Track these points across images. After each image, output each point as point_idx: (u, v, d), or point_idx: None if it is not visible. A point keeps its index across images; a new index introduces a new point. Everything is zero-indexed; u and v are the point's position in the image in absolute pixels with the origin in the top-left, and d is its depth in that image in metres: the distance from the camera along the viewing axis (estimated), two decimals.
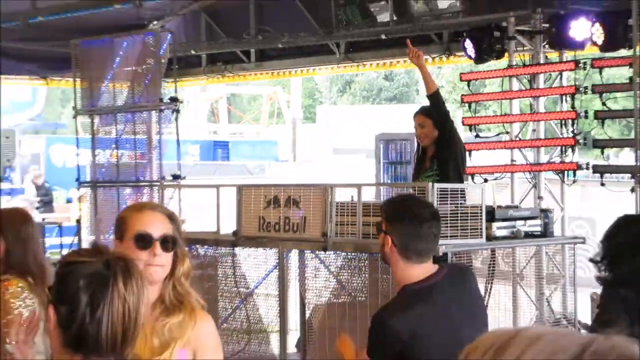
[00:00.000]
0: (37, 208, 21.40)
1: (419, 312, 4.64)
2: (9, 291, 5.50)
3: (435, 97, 8.97)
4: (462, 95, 10.94)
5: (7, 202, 18.18)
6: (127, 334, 2.81)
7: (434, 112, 8.90)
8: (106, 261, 2.86)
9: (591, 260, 5.03)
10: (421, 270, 4.66)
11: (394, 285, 8.19)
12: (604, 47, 9.77)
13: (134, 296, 2.81)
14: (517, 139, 10.49)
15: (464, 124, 10.82)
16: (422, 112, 9.03)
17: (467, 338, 4.64)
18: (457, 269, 5.36)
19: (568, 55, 10.19)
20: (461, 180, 8.99)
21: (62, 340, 2.89)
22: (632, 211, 8.18)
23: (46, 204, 22.08)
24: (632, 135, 8.62)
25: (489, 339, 1.35)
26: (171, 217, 4.22)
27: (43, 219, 17.80)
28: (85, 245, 12.28)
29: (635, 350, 1.27)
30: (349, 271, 8.71)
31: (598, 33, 9.66)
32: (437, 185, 8.01)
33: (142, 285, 2.89)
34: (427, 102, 9.21)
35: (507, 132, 10.56)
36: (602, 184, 9.60)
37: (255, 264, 9.23)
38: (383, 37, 11.87)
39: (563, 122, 10.12)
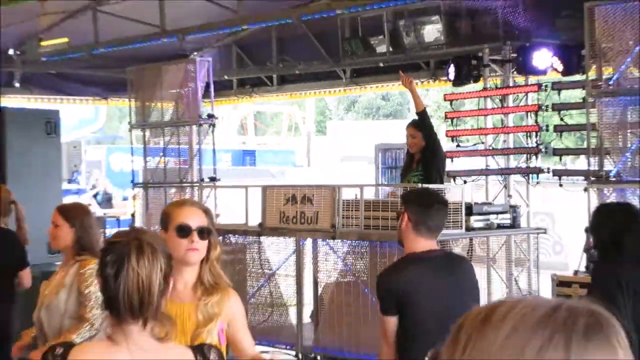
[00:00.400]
0: (99, 204, 21.52)
1: (411, 274, 4.75)
2: (88, 268, 5.50)
3: (422, 114, 9.01)
4: (446, 112, 10.97)
5: (74, 200, 18.20)
6: (143, 299, 2.81)
7: (422, 126, 8.91)
8: (126, 241, 2.90)
9: (586, 250, 5.08)
10: (426, 244, 4.77)
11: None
12: (563, 73, 9.81)
13: (145, 269, 2.82)
14: (491, 148, 10.48)
15: (447, 136, 10.82)
16: (414, 125, 9.03)
17: (457, 305, 4.50)
18: (461, 257, 5.42)
19: (532, 79, 10.18)
20: (442, 182, 9.00)
21: (104, 305, 2.98)
22: (584, 208, 8.17)
23: (107, 201, 22.16)
24: (585, 145, 8.61)
25: (481, 307, 1.34)
26: (206, 212, 4.26)
27: (104, 214, 17.81)
28: None
29: (601, 309, 1.27)
30: (353, 256, 8.76)
31: (557, 62, 9.70)
32: (425, 185, 8.11)
33: (153, 260, 2.88)
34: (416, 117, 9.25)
35: (483, 142, 10.55)
36: (561, 185, 9.62)
37: (276, 250, 9.26)
38: (381, 65, 11.88)
39: (528, 134, 10.14)
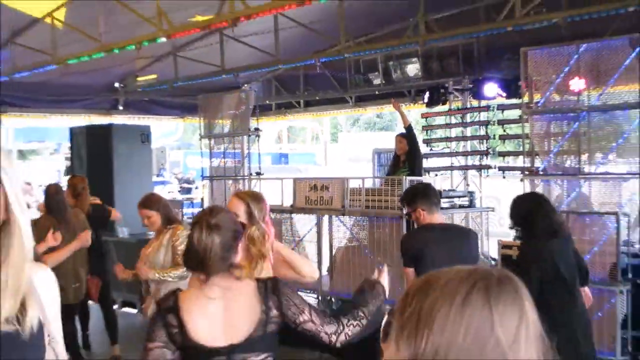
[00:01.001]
0: (179, 191, 21.68)
1: (422, 237, 4.72)
2: (180, 232, 5.56)
3: (409, 128, 9.09)
4: (423, 125, 10.97)
5: (161, 189, 18.32)
6: (203, 262, 2.79)
7: (408, 136, 8.98)
8: (195, 222, 2.90)
9: (511, 228, 4.94)
10: (435, 218, 4.74)
11: (383, 236, 8.24)
12: (505, 98, 9.83)
13: (202, 243, 2.79)
14: (455, 151, 10.50)
15: (423, 142, 10.80)
16: (401, 134, 9.15)
17: (461, 260, 4.50)
18: (466, 228, 5.14)
19: (483, 103, 10.19)
20: (421, 175, 9.05)
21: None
22: (520, 193, 8.20)
23: (185, 189, 22.32)
24: (521, 149, 8.63)
25: (422, 276, 1.29)
26: (248, 205, 3.95)
27: (183, 198, 17.91)
28: None
29: (509, 272, 1.25)
30: (357, 227, 8.82)
31: (501, 90, 9.72)
32: (408, 177, 8.20)
33: (209, 236, 2.82)
34: (403, 130, 9.30)
35: (449, 147, 10.59)
36: (504, 177, 9.64)
37: (303, 223, 9.32)
38: (376, 92, 11.88)
39: (481, 141, 10.19)
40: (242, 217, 3.85)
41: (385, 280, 3.12)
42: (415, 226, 5.08)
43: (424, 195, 4.78)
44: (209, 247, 2.80)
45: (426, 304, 1.20)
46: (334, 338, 2.90)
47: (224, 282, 2.82)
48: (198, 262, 2.82)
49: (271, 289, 2.88)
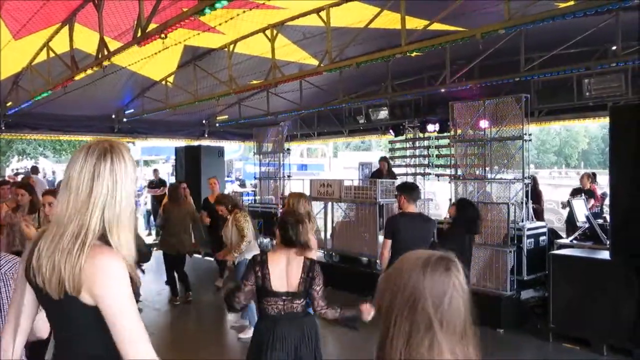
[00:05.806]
0: (239, 186, 21.56)
1: (401, 220, 4.42)
2: (241, 215, 5.39)
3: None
4: (389, 148, 10.93)
5: (229, 185, 18.11)
6: (295, 238, 2.81)
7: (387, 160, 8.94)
8: (293, 220, 2.87)
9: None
10: (413, 207, 4.49)
11: (367, 216, 8.20)
12: (440, 132, 9.76)
13: (293, 230, 2.80)
14: (408, 163, 10.39)
15: (390, 158, 10.79)
16: (383, 158, 9.17)
17: (419, 237, 4.26)
18: (427, 217, 4.78)
19: (426, 134, 10.14)
20: (395, 178, 9.01)
21: (280, 241, 2.91)
22: (449, 191, 8.13)
23: (242, 185, 22.20)
24: (449, 163, 8.56)
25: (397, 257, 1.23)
26: (290, 203, 4.05)
27: (242, 192, 17.83)
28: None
29: (452, 255, 1.18)
30: (349, 209, 8.73)
31: (437, 127, 9.67)
32: (378, 180, 8.11)
33: (301, 227, 2.80)
34: (381, 153, 9.27)
35: (405, 161, 10.51)
36: (438, 180, 9.60)
37: (317, 207, 9.19)
38: (361, 128, 11.80)
39: (424, 158, 10.04)
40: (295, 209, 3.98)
41: (366, 312, 2.84)
42: (397, 209, 4.86)
43: (408, 189, 4.56)
44: (300, 234, 2.83)
45: (393, 276, 1.17)
46: (319, 309, 2.88)
47: (292, 252, 2.86)
48: (291, 241, 2.83)
49: (311, 265, 2.88)
